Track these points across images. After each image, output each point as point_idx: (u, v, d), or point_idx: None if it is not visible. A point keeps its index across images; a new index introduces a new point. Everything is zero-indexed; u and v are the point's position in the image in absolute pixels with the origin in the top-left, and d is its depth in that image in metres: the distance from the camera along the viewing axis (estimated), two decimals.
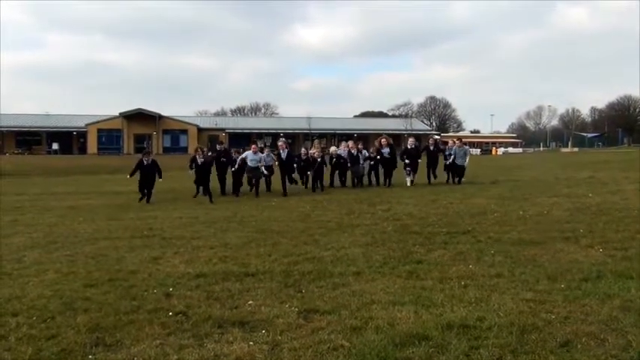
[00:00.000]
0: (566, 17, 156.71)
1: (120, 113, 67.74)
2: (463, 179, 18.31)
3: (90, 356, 3.84)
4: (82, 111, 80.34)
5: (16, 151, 64.96)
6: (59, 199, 16.73)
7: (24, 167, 42.26)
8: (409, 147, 18.55)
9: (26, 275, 6.26)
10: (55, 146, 67.32)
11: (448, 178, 18.56)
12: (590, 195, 12.62)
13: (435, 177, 18.54)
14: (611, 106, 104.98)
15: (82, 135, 69.21)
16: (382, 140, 18.27)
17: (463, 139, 20.45)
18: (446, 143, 20.34)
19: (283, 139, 16.90)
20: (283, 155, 16.29)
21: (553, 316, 4.36)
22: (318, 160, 17.03)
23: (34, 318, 4.64)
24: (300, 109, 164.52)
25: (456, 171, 18.23)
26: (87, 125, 68.28)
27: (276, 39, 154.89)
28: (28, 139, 69.25)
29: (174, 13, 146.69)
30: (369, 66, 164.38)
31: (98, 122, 68.53)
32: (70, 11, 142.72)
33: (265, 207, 12.56)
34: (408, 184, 17.74)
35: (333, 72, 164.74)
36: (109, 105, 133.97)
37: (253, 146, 16.69)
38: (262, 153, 16.68)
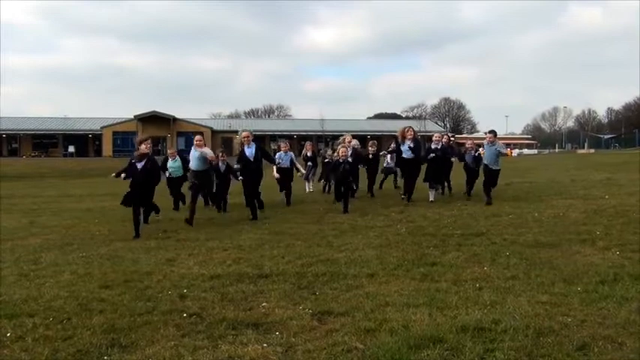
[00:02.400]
0: (580, 18, 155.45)
1: (135, 116, 68.26)
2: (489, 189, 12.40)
3: (105, 357, 3.87)
4: (97, 114, 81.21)
5: (33, 154, 65.77)
6: (75, 201, 16.91)
7: (40, 170, 42.80)
8: (433, 147, 13.13)
9: (42, 276, 6.33)
10: (71, 149, 68.08)
11: (470, 190, 13.44)
12: (607, 197, 12.47)
13: (450, 186, 14.21)
14: (628, 107, 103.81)
15: (97, 138, 69.83)
16: (408, 131, 12.70)
17: (494, 134, 12.90)
18: (461, 144, 15.38)
19: (248, 130, 11.06)
20: (248, 152, 10.67)
21: (569, 319, 4.32)
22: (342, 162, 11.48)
23: (51, 319, 4.68)
24: (312, 111, 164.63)
25: (488, 178, 12.40)
26: (102, 128, 68.90)
27: (287, 41, 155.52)
28: (45, 142, 70.10)
29: (186, 16, 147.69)
30: (380, 67, 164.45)
31: (113, 125, 69.13)
32: (83, 15, 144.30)
33: (279, 209, 12.58)
34: (431, 198, 12.78)
35: (345, 73, 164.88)
36: (124, 108, 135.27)
37: (197, 138, 11.53)
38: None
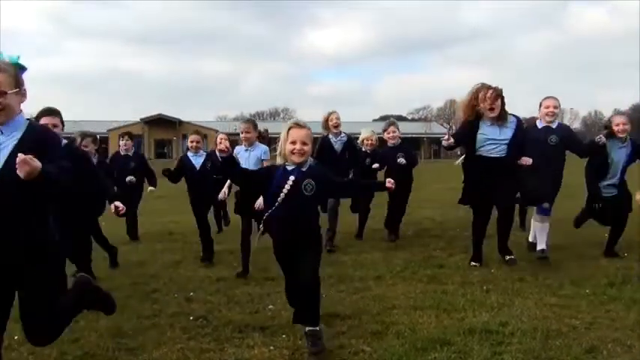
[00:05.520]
0: (586, 19, 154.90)
1: (141, 119, 68.47)
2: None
3: None
4: (103, 117, 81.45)
5: None
6: None
7: None
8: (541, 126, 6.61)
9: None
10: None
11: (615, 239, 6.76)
12: None
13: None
14: (636, 108, 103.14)
15: (104, 141, 69.79)
16: (490, 95, 5.69)
17: None
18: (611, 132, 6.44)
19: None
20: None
21: (578, 322, 4.29)
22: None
23: None
24: (318, 113, 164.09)
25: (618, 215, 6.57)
26: (108, 131, 69.03)
27: (292, 43, 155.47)
28: None
29: (191, 19, 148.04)
30: (385, 69, 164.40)
31: (119, 128, 69.29)
32: (88, 19, 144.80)
33: None
34: (543, 244, 6.46)
35: (349, 75, 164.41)
36: (131, 111, 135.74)
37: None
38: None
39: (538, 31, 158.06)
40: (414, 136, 65.65)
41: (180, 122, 69.49)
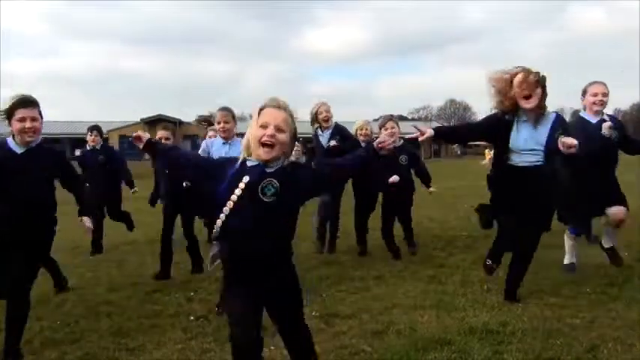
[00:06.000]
0: (586, 19, 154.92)
1: (141, 119, 68.46)
2: None
3: None
4: (103, 117, 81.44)
5: None
6: None
7: None
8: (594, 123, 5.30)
9: (50, 279, 6.34)
10: (77, 152, 68.16)
11: None
12: None
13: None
14: (636, 107, 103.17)
15: (104, 141, 69.92)
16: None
17: None
18: None
19: None
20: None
21: (578, 321, 4.29)
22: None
23: (58, 322, 4.70)
24: None
25: None
26: (108, 132, 68.73)
27: (292, 43, 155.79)
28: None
29: (191, 19, 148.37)
30: (385, 69, 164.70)
31: (120, 128, 69.30)
32: (88, 20, 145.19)
33: None
34: (570, 259, 6.09)
35: (350, 75, 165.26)
36: (131, 111, 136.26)
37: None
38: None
39: (538, 31, 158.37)
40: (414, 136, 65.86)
41: (181, 122, 69.50)
